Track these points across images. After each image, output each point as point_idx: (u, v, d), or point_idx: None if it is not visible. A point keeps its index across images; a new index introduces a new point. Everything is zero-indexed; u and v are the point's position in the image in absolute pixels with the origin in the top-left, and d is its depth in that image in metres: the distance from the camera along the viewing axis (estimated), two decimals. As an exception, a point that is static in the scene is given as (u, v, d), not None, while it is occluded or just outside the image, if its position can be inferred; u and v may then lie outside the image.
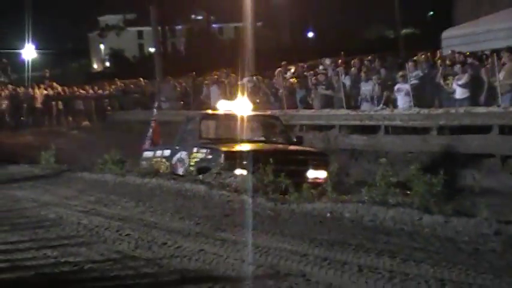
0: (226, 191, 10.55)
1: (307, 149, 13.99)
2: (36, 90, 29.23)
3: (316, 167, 12.35)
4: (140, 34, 69.59)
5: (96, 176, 13.51)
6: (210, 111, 15.61)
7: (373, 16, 48.04)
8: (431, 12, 51.62)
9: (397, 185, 9.35)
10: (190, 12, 59.63)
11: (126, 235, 8.06)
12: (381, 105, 18.22)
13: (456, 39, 22.80)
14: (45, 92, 29.51)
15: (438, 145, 16.20)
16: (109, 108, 30.77)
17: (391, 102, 18.15)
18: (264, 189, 10.34)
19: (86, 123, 29.14)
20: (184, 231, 8.19)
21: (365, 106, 18.65)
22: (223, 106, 14.65)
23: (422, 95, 17.55)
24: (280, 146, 13.68)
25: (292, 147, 13.64)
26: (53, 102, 29.45)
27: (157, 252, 7.20)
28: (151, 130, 16.08)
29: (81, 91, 30.96)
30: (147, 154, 15.27)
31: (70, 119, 29.65)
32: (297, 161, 12.47)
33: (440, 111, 16.67)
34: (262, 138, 14.20)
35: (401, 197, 8.91)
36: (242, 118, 14.10)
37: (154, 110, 17.57)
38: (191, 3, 53.51)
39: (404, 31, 41.99)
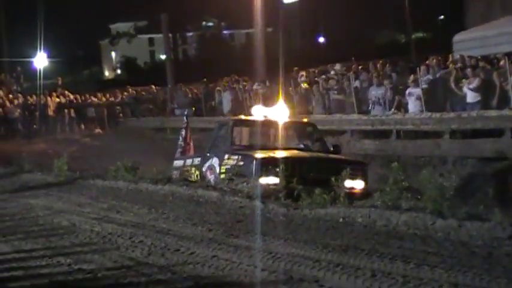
0: (239, 197, 10.55)
1: (344, 157, 13.38)
2: (49, 98, 29.33)
3: (354, 177, 11.71)
4: (151, 41, 69.68)
5: (109, 183, 13.53)
6: (242, 117, 15.23)
7: (384, 21, 47.93)
8: (442, 16, 51.48)
9: (410, 189, 9.33)
10: (201, 18, 59.70)
11: (139, 242, 8.07)
12: (393, 109, 18.20)
13: (468, 42, 22.72)
14: (57, 99, 29.61)
15: (450, 149, 16.14)
16: (121, 115, 30.81)
17: (403, 107, 18.13)
18: (276, 195, 10.34)
19: (98, 130, 29.16)
20: (197, 237, 8.19)
21: (376, 111, 18.62)
22: (258, 112, 14.02)
23: (434, 99, 17.51)
24: (316, 154, 13.08)
25: (328, 156, 13.05)
26: (65, 110, 29.51)
27: (171, 258, 7.21)
28: (181, 138, 15.44)
29: (93, 99, 31.05)
30: (178, 163, 14.70)
31: (82, 126, 29.69)
32: (333, 169, 11.69)
33: (452, 115, 16.62)
34: (297, 146, 13.61)
35: (414, 201, 8.89)
36: (276, 125, 13.54)
37: (185, 117, 16.41)
38: (202, 10, 53.57)
39: (415, 35, 41.88)
